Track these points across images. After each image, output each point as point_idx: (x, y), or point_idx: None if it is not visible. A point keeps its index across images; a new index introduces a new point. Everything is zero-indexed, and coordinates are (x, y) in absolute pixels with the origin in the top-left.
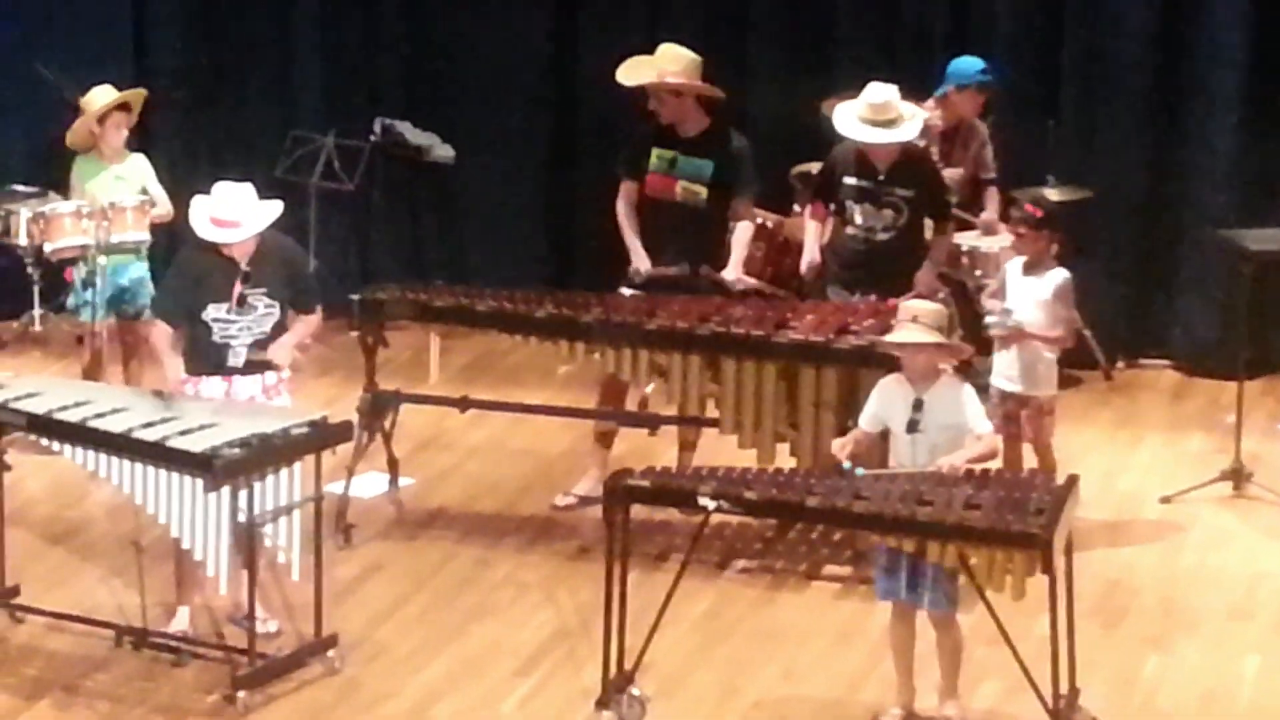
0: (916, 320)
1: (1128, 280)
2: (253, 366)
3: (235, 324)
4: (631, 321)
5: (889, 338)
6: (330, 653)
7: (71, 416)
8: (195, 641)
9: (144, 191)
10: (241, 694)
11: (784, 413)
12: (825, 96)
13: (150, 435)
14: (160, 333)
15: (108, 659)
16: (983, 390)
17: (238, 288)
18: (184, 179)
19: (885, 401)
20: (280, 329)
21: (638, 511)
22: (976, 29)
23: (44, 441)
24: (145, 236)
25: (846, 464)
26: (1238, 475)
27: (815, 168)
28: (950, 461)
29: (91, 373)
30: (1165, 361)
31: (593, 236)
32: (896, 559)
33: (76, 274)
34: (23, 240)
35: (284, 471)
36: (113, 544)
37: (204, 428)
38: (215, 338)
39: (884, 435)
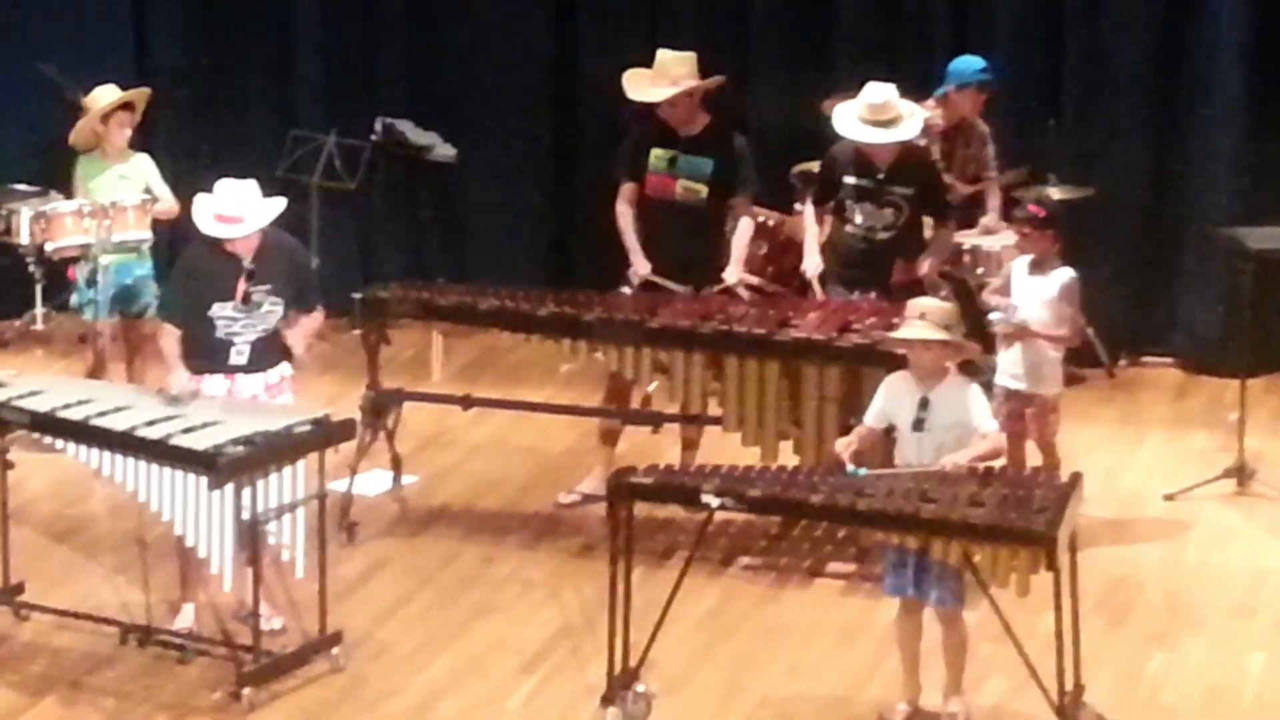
0: (924, 317)
1: (1130, 278)
2: (256, 364)
3: (239, 321)
4: (634, 320)
5: (896, 334)
6: (334, 650)
7: (74, 415)
8: (200, 639)
9: (148, 190)
10: (246, 691)
11: (787, 410)
12: (826, 95)
13: (153, 433)
14: (168, 335)
15: (112, 656)
16: (986, 388)
17: (242, 285)
18: (185, 179)
19: (892, 398)
20: (283, 326)
21: (641, 509)
22: (977, 28)
23: (47, 440)
24: (147, 235)
25: (850, 467)
26: (1241, 473)
27: (816, 166)
28: (954, 460)
29: (95, 371)
30: (1168, 359)
31: (594, 235)
32: (904, 555)
33: (79, 272)
34: (24, 239)
35: (287, 469)
36: (117, 542)
37: (207, 426)
38: (219, 335)
39: (888, 432)
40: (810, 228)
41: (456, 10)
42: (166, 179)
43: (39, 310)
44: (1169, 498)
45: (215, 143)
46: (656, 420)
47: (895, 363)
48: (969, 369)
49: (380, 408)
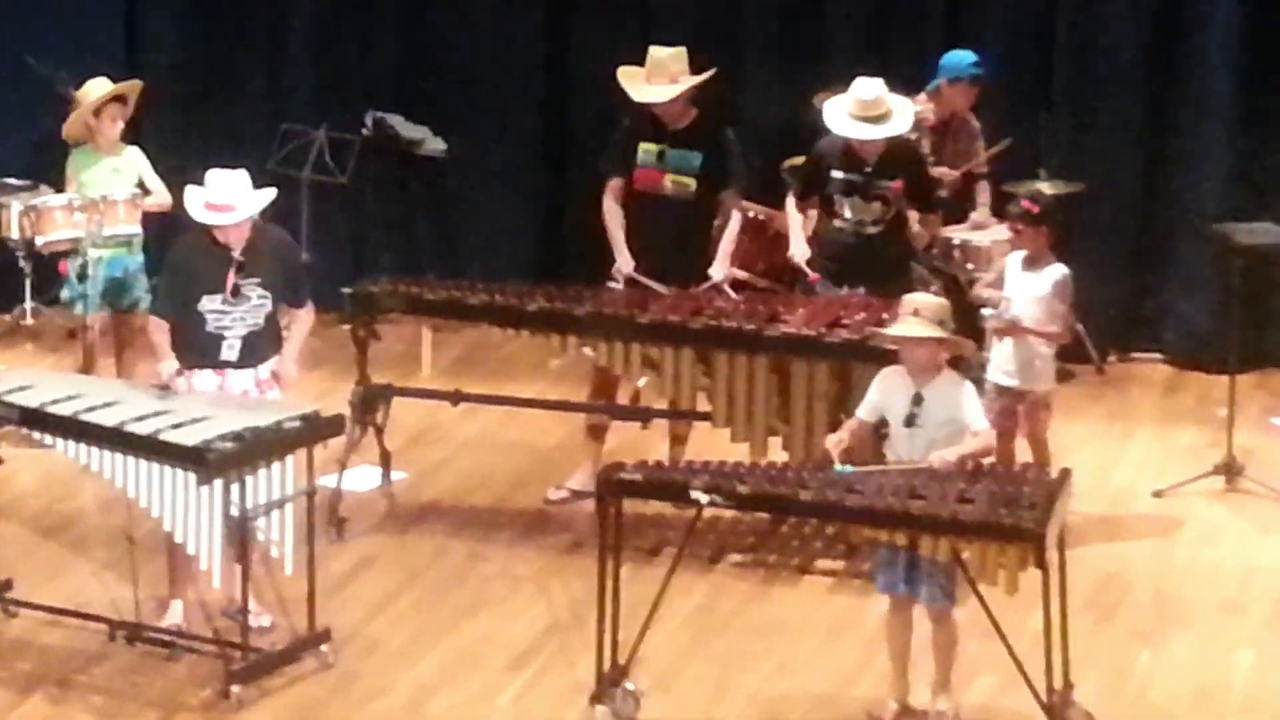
0: (918, 314)
1: (1120, 274)
2: (246, 359)
3: (229, 314)
4: (623, 315)
5: (889, 331)
6: (323, 647)
7: (64, 410)
8: (188, 636)
9: (140, 183)
10: (235, 688)
11: (776, 406)
12: (818, 90)
13: (143, 429)
14: (157, 328)
15: (101, 653)
16: (977, 384)
17: (231, 277)
18: (176, 172)
19: (886, 392)
20: (273, 321)
21: (630, 505)
22: (968, 22)
23: (36, 435)
24: (137, 230)
25: (837, 467)
26: (1230, 469)
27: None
28: (942, 456)
29: (85, 366)
30: (1157, 355)
31: (585, 230)
32: (894, 552)
33: (70, 267)
34: (14, 233)
35: (276, 465)
36: (105, 538)
37: (196, 421)
38: (209, 328)
39: (877, 428)
40: (794, 217)
41: (448, 4)
42: (158, 172)
43: (28, 305)
44: (1158, 494)
45: (206, 136)
46: (645, 416)
47: (885, 359)
48: (959, 365)
49: (370, 403)
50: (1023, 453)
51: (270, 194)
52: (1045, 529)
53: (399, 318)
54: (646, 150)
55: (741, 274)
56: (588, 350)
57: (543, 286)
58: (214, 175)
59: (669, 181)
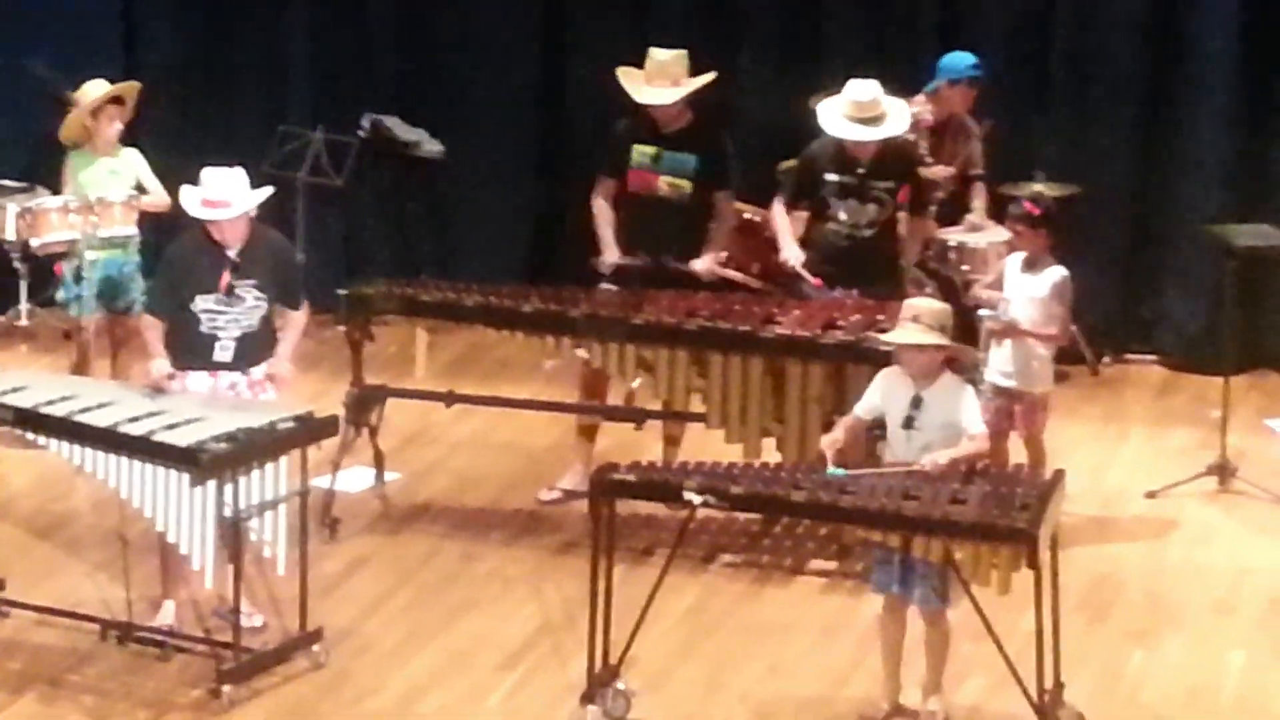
0: (918, 319)
1: (1115, 275)
2: (240, 361)
3: (224, 315)
4: (618, 316)
5: (888, 336)
6: (315, 647)
7: (58, 411)
8: (180, 636)
9: (139, 185)
10: (226, 688)
11: (770, 408)
12: (815, 92)
13: (136, 429)
14: (151, 327)
15: (93, 653)
16: (972, 385)
17: (226, 277)
18: (173, 174)
19: (886, 392)
20: (267, 323)
21: (623, 506)
22: (966, 23)
23: (30, 436)
24: (133, 231)
25: (830, 470)
26: (1223, 470)
27: None
28: (934, 459)
29: (80, 367)
30: (1152, 357)
31: (580, 232)
32: (890, 551)
33: (66, 268)
34: (10, 235)
35: (270, 466)
36: (98, 538)
37: (190, 422)
38: (203, 328)
39: (871, 429)
40: (782, 221)
41: (445, 6)
42: (155, 173)
43: (24, 306)
44: (1151, 495)
45: (203, 138)
46: (639, 417)
47: (880, 360)
48: (955, 366)
49: (364, 404)
50: (1019, 454)
51: (267, 191)
52: (1038, 529)
53: (394, 319)
54: (641, 152)
55: (736, 275)
56: (581, 352)
57: (538, 288)
58: (210, 172)
59: (664, 184)
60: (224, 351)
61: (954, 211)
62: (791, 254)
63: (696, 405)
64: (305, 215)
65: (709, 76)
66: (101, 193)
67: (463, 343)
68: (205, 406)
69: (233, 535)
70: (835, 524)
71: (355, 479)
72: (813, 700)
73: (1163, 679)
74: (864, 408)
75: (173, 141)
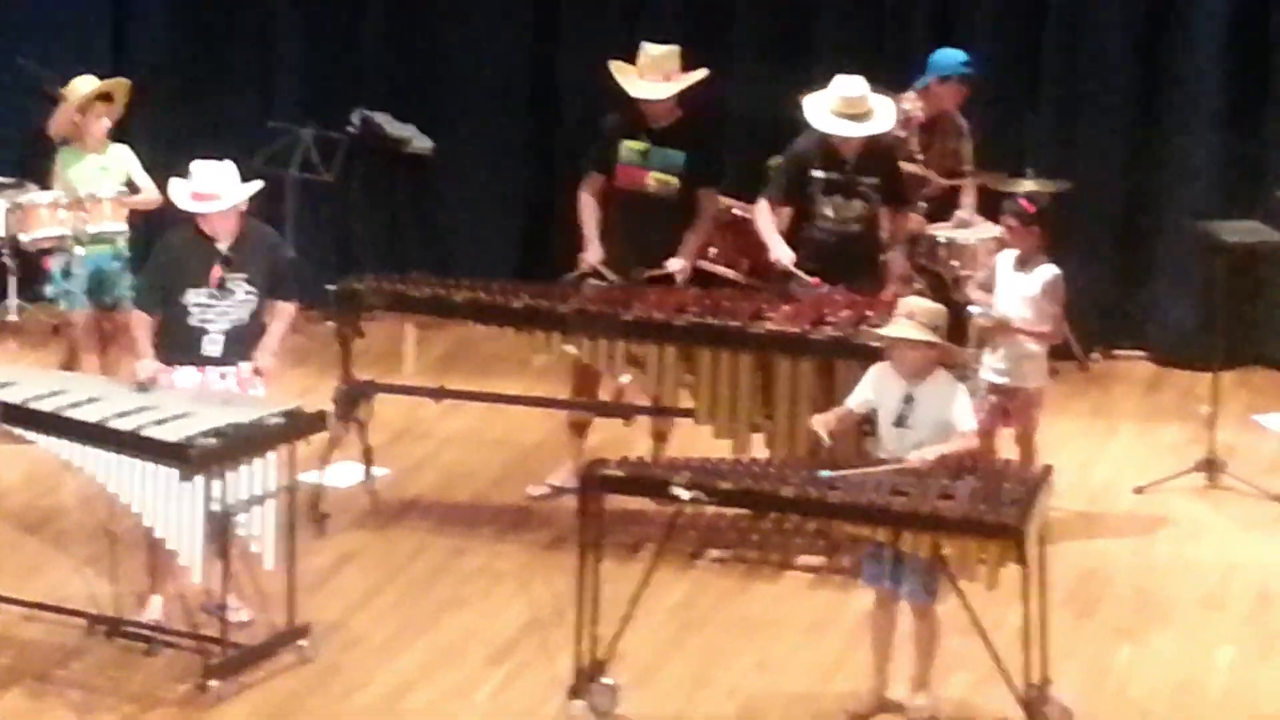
0: (913, 317)
1: (1105, 271)
2: (229, 356)
3: (213, 308)
4: (608, 312)
5: (883, 330)
6: (303, 642)
7: (46, 406)
8: (168, 630)
9: (129, 181)
10: (213, 683)
11: (759, 403)
12: (806, 87)
13: (125, 425)
14: (140, 323)
15: (80, 648)
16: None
17: (217, 270)
18: (163, 170)
19: (879, 387)
20: (258, 317)
21: (612, 501)
22: (956, 21)
23: (18, 431)
24: (123, 227)
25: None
26: (1212, 466)
27: None
28: (921, 455)
29: (69, 363)
30: (1141, 352)
31: (570, 228)
32: (881, 547)
33: (55, 264)
34: (0, 230)
35: (258, 461)
36: (86, 533)
37: (178, 417)
38: (192, 322)
39: (862, 424)
40: (767, 220)
41: (436, 3)
42: (146, 170)
43: (13, 301)
44: (1139, 491)
45: (194, 134)
46: (628, 412)
47: (869, 356)
48: (946, 365)
49: (353, 400)
50: (1009, 450)
51: (256, 184)
52: (1025, 525)
53: (383, 314)
54: (630, 148)
55: (726, 271)
56: (570, 348)
57: (527, 284)
58: (199, 165)
59: (652, 180)
60: (213, 345)
61: (944, 208)
62: (783, 254)
63: (685, 401)
64: (295, 211)
65: (702, 72)
66: (91, 189)
67: (452, 338)
68: (194, 402)
69: (221, 530)
70: (824, 519)
71: (344, 474)
72: (800, 695)
73: (1150, 674)
74: (856, 400)
75: (163, 138)
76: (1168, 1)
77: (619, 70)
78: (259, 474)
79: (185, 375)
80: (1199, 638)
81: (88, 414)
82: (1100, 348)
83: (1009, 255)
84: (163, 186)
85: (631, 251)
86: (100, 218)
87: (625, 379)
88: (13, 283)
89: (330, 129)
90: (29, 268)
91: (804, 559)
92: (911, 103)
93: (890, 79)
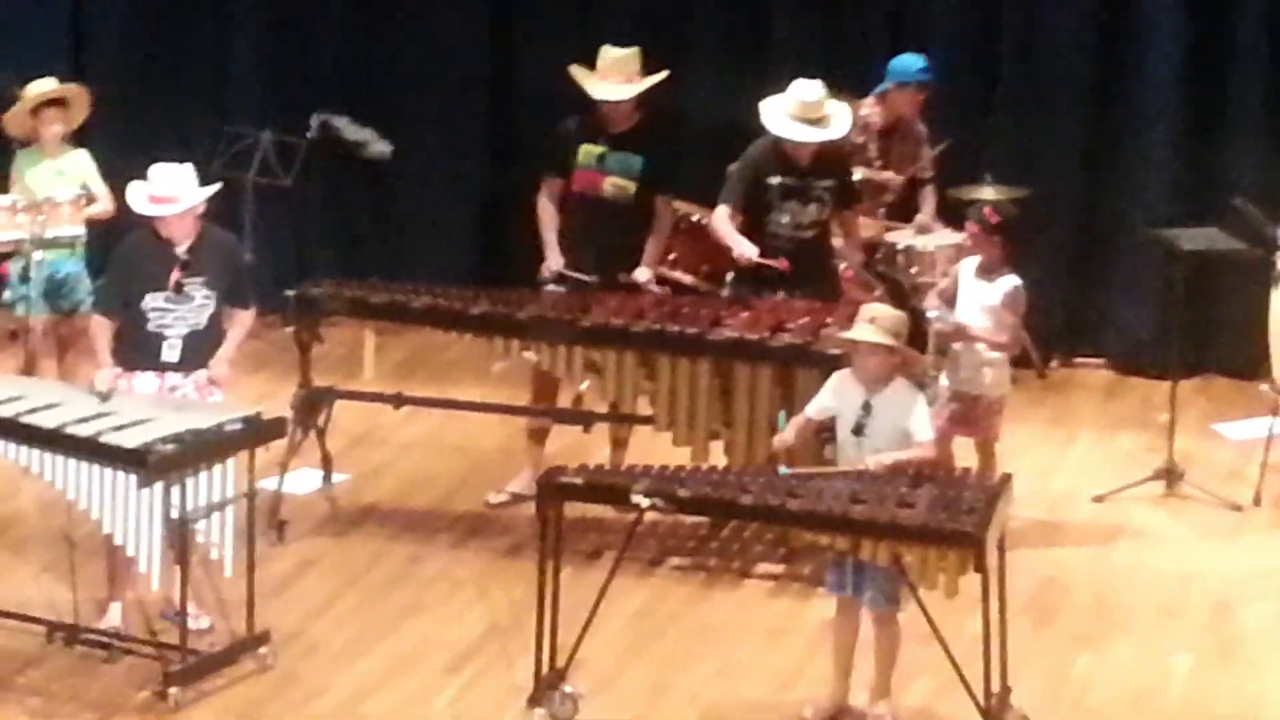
0: (874, 322)
1: (1063, 279)
2: (188, 362)
3: (171, 313)
4: (566, 318)
5: (846, 334)
6: (262, 649)
7: (4, 412)
8: (127, 638)
9: (84, 187)
10: (173, 690)
11: (718, 410)
12: (763, 93)
13: (83, 431)
14: (99, 327)
15: (39, 655)
16: (923, 388)
17: (175, 274)
18: (120, 174)
19: (839, 395)
20: (216, 322)
21: (571, 509)
22: (915, 26)
23: None
24: (81, 231)
25: (782, 469)
26: (1170, 474)
27: None
28: (879, 459)
29: (27, 368)
30: (1099, 360)
31: (529, 234)
32: (843, 554)
33: (12, 268)
34: None
35: (217, 467)
36: (45, 540)
37: (137, 423)
38: (150, 327)
39: (820, 430)
40: (725, 224)
41: (394, 6)
42: (103, 174)
43: None
44: (1098, 499)
45: (151, 138)
46: (587, 419)
47: (828, 363)
48: (905, 372)
49: (311, 406)
50: (968, 458)
51: (214, 187)
52: (985, 533)
53: (342, 320)
54: (587, 152)
55: (685, 278)
56: (529, 354)
57: (486, 290)
58: (157, 169)
59: (608, 185)
60: (171, 351)
61: (903, 214)
62: (746, 249)
63: (644, 408)
64: (253, 216)
65: (663, 74)
66: (48, 193)
67: (411, 344)
68: (153, 408)
69: (180, 537)
70: (784, 527)
71: (303, 481)
72: (760, 703)
73: (1109, 682)
74: (815, 408)
75: (121, 142)
76: (1126, 9)
77: (578, 73)
78: (218, 480)
79: (144, 382)
80: (1157, 646)
81: (46, 419)
82: (1058, 355)
83: (971, 262)
84: (120, 191)
85: (588, 256)
86: (58, 221)
87: (584, 385)
88: None
89: (288, 133)
90: None
91: (764, 567)
92: (870, 109)
93: (848, 85)
